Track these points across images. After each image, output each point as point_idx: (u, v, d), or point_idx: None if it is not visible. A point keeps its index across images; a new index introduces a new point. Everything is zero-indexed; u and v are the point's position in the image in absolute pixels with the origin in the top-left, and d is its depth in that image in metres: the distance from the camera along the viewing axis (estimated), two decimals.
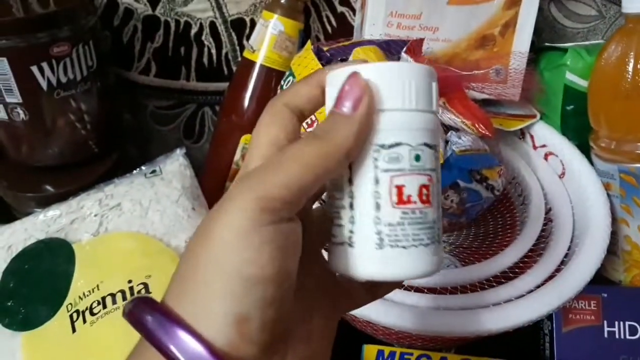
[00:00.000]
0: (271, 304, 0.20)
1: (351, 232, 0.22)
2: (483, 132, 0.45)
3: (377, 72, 0.22)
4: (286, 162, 0.20)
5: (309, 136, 0.21)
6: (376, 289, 0.27)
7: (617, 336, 0.46)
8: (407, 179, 0.22)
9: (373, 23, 0.52)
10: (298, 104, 0.23)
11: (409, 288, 0.43)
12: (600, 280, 0.45)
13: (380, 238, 0.22)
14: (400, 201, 0.22)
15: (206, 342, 0.19)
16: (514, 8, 0.52)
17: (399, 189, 0.22)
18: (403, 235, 0.22)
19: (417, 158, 0.22)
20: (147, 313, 0.20)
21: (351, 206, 0.22)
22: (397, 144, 0.22)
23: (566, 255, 0.46)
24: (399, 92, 0.22)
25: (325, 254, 0.25)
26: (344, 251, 0.23)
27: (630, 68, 0.45)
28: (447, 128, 0.46)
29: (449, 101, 0.46)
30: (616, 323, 0.46)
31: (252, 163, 0.22)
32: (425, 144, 0.22)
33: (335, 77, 0.22)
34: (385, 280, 0.22)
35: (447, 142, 0.45)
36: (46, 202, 0.45)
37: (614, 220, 0.50)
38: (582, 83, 0.52)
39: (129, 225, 0.42)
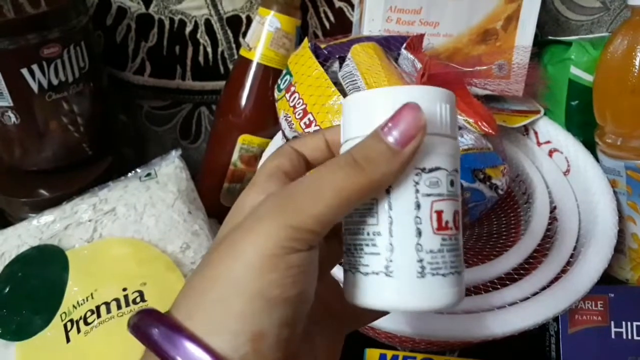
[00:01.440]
0: (288, 325, 0.20)
1: (389, 260, 0.21)
2: (486, 130, 0.44)
3: (415, 95, 0.21)
4: (322, 191, 0.20)
5: (347, 161, 0.20)
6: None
7: (624, 337, 0.45)
8: (445, 205, 0.21)
9: (372, 19, 0.51)
10: (304, 150, 0.24)
11: None
12: (606, 279, 0.44)
13: (422, 266, 0.21)
14: (440, 227, 0.21)
15: (214, 353, 0.18)
16: (516, 1, 0.51)
17: (439, 214, 0.21)
18: (443, 263, 0.21)
19: (452, 183, 0.22)
20: (153, 326, 0.19)
21: (390, 233, 0.21)
22: (437, 169, 0.21)
23: (572, 255, 0.45)
24: (436, 117, 0.21)
25: (337, 278, 0.24)
26: (379, 282, 0.21)
27: (636, 62, 0.44)
28: None
29: None
30: (623, 323, 0.45)
31: (258, 178, 0.22)
32: (456, 170, 0.22)
33: (367, 100, 0.22)
34: (422, 310, 0.21)
35: None
36: (40, 206, 0.44)
37: (621, 217, 0.49)
38: (587, 77, 0.51)
39: (123, 230, 0.41)
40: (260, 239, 0.19)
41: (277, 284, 0.19)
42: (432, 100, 0.22)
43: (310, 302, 0.21)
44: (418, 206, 0.21)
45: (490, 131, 0.44)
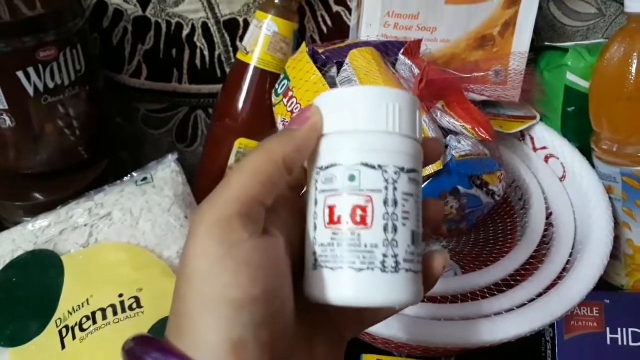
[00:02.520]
0: (263, 325, 0.19)
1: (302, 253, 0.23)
2: (483, 136, 0.44)
3: (323, 99, 0.23)
4: (232, 176, 0.21)
5: (254, 149, 0.22)
6: (372, 313, 0.26)
7: (619, 343, 0.45)
8: (339, 199, 0.22)
9: (370, 24, 0.51)
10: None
11: None
12: (602, 285, 0.44)
13: (315, 259, 0.22)
14: (332, 221, 0.22)
15: None
16: (513, 7, 0.51)
17: (331, 209, 0.22)
18: (332, 257, 0.21)
19: (352, 178, 0.22)
20: (146, 352, 0.20)
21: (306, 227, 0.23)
22: (332, 165, 0.22)
23: (568, 262, 0.45)
24: (337, 115, 0.23)
25: None
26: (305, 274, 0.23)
27: (633, 69, 0.44)
28: (446, 132, 0.45)
29: (448, 104, 0.45)
30: (619, 330, 0.45)
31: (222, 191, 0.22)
32: (364, 164, 0.22)
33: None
34: (325, 303, 0.22)
35: (446, 146, 0.44)
36: (35, 210, 0.44)
37: (616, 224, 0.49)
38: (584, 84, 0.51)
39: (119, 235, 0.41)
40: (200, 244, 0.19)
41: (233, 285, 0.19)
42: (336, 102, 0.23)
43: (282, 299, 0.21)
44: (315, 202, 0.23)
45: (487, 137, 0.44)
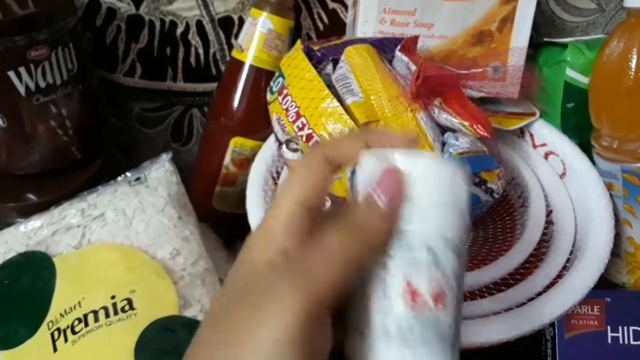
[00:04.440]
0: None
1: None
2: (481, 133, 0.43)
3: (406, 163, 0.22)
4: (333, 258, 0.20)
5: (347, 227, 0.21)
6: None
7: (620, 342, 0.45)
8: (418, 273, 0.21)
9: (366, 20, 0.50)
10: (337, 156, 0.23)
11: None
12: (602, 283, 0.43)
13: (387, 331, 0.21)
14: (412, 300, 0.21)
15: None
16: (511, 3, 0.50)
17: (409, 283, 0.21)
18: (410, 335, 0.21)
19: (432, 253, 0.21)
20: None
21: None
22: (408, 233, 0.21)
23: (568, 260, 0.44)
24: (423, 188, 0.22)
25: None
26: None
27: (633, 64, 0.44)
28: (443, 129, 0.44)
29: (445, 101, 0.44)
30: (620, 328, 0.45)
31: (277, 222, 0.21)
32: (444, 239, 0.21)
33: (369, 164, 0.22)
34: None
35: (443, 144, 0.43)
36: (29, 211, 0.43)
37: (617, 221, 0.48)
38: (583, 79, 0.50)
39: (112, 236, 0.40)
40: (277, 321, 0.18)
41: None
42: (422, 173, 0.22)
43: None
44: (385, 267, 0.21)
45: (485, 134, 0.43)
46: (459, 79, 0.46)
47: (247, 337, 0.18)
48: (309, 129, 0.41)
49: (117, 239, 0.40)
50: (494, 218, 0.49)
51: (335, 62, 0.45)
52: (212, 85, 0.56)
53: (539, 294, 0.41)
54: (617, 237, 0.49)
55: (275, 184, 0.50)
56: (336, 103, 0.41)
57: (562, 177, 0.51)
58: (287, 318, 0.18)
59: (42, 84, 0.42)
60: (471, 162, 0.42)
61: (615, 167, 0.47)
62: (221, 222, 0.52)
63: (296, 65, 0.45)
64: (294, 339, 0.18)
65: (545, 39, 0.55)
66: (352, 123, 0.40)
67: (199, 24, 0.54)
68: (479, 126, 0.43)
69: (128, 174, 0.44)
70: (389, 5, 0.49)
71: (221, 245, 0.50)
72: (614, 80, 0.45)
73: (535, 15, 0.51)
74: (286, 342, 0.18)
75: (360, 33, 0.50)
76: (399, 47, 0.46)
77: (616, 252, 0.49)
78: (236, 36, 0.54)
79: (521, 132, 0.55)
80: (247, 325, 0.18)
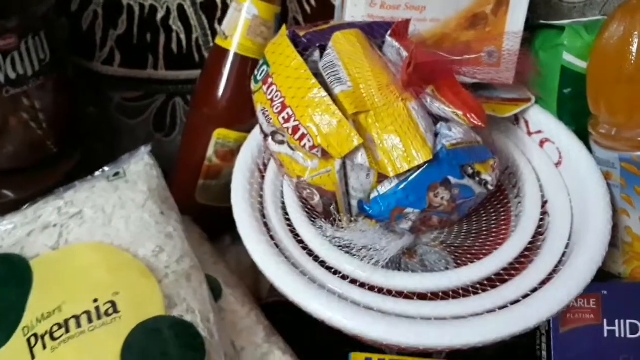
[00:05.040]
0: None
1: None
2: (475, 122, 0.42)
3: None
4: None
5: None
6: None
7: (617, 335, 0.44)
8: None
9: (355, 4, 0.48)
10: None
11: (398, 294, 0.40)
12: (599, 273, 0.42)
13: None
14: None
15: None
16: None
17: None
18: None
19: None
20: None
21: None
22: None
23: (564, 254, 0.43)
24: None
25: None
26: None
27: (633, 49, 0.42)
28: (436, 119, 0.42)
29: (437, 89, 0.42)
30: (616, 322, 0.44)
31: None
32: None
33: None
34: None
35: (436, 134, 0.41)
36: (4, 209, 0.41)
37: (614, 211, 0.47)
38: (581, 64, 0.48)
39: (91, 235, 0.38)
40: None
41: None
42: None
43: None
44: None
45: (479, 124, 0.42)
46: (452, 66, 0.44)
47: None
48: (295, 120, 0.39)
49: (97, 237, 0.38)
50: (487, 209, 0.47)
51: (323, 49, 0.43)
52: (195, 73, 0.54)
53: (535, 289, 0.40)
54: (614, 227, 0.47)
55: (262, 177, 0.48)
56: (324, 93, 0.39)
57: (558, 166, 0.49)
58: None
59: (12, 76, 0.40)
60: (465, 154, 0.41)
61: (613, 156, 0.46)
62: (205, 216, 0.51)
63: (281, 52, 0.43)
64: None
65: (541, 21, 0.53)
66: (341, 114, 0.38)
67: (181, 9, 0.52)
68: (473, 115, 0.42)
69: (106, 168, 0.42)
70: None
71: (206, 240, 0.49)
72: (613, 65, 0.43)
73: None
74: None
75: (349, 17, 0.48)
76: (389, 32, 0.44)
77: (613, 242, 0.48)
78: (220, 21, 0.52)
79: (516, 118, 0.53)
80: None
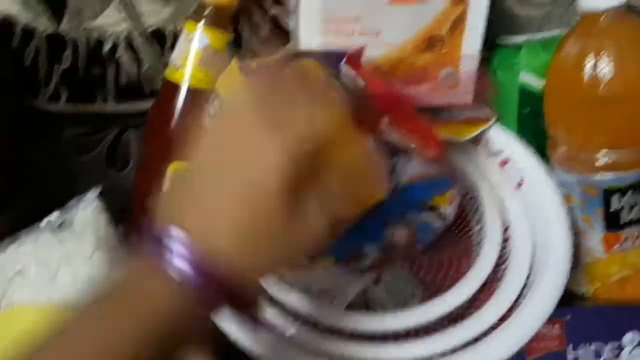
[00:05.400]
0: None
1: None
2: (433, 154, 0.41)
3: None
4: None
5: None
6: None
7: None
8: None
9: (308, 29, 0.47)
10: None
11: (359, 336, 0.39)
12: (563, 294, 0.42)
13: None
14: None
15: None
16: (462, 4, 0.47)
17: None
18: None
19: None
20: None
21: None
22: None
23: (527, 281, 0.43)
24: None
25: None
26: None
27: (588, 70, 0.41)
28: (393, 151, 0.41)
29: (394, 119, 0.41)
30: (581, 346, 0.44)
31: None
32: None
33: None
34: None
35: (393, 169, 0.40)
36: None
37: (576, 232, 0.47)
38: (539, 83, 0.48)
39: (36, 294, 0.37)
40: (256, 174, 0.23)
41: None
42: None
43: None
44: None
45: (437, 156, 0.41)
46: (409, 94, 0.43)
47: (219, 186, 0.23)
48: None
49: (42, 296, 0.37)
50: (449, 239, 0.46)
51: None
52: (147, 105, 0.52)
53: (500, 319, 0.40)
54: (576, 247, 0.47)
55: None
56: None
57: (518, 188, 0.49)
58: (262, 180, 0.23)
59: None
60: (422, 189, 0.40)
61: (572, 178, 0.45)
62: None
63: (233, 85, 0.42)
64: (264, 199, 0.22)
65: (498, 39, 0.52)
66: None
67: (129, 40, 0.50)
68: (430, 147, 0.41)
69: (52, 218, 0.40)
70: (331, 13, 0.46)
71: None
72: (569, 88, 0.43)
73: (488, 11, 0.48)
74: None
75: (304, 43, 0.47)
76: (344, 61, 0.43)
77: (575, 262, 0.48)
78: (170, 51, 0.50)
79: (476, 138, 0.52)
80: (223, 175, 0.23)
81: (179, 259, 0.21)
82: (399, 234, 0.40)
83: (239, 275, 0.22)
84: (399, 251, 0.42)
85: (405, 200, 0.39)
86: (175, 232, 0.22)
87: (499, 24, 0.58)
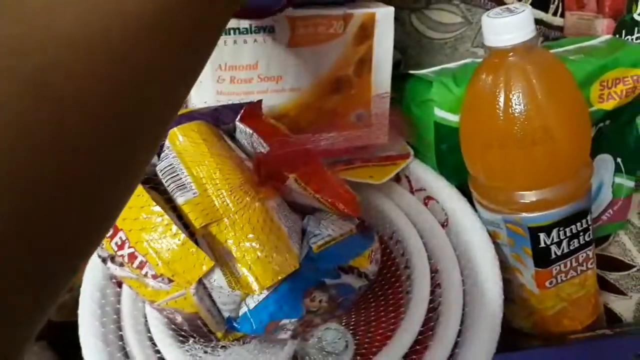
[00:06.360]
0: None
1: None
2: (345, 211, 0.37)
3: None
4: None
5: None
6: None
7: None
8: None
9: (200, 81, 0.42)
10: None
11: None
12: (503, 329, 0.40)
13: None
14: None
15: None
16: (366, 42, 0.44)
17: None
18: None
19: None
20: None
21: None
22: None
23: (462, 322, 0.40)
24: None
25: None
26: None
27: (500, 112, 0.39)
28: (303, 211, 0.38)
29: (302, 176, 0.37)
30: None
31: None
32: None
33: None
34: None
35: (303, 233, 0.36)
36: None
37: (507, 268, 0.45)
38: (453, 118, 0.45)
39: None
40: None
41: None
42: None
43: None
44: None
45: (350, 213, 0.37)
46: (315, 147, 0.39)
47: None
48: (129, 247, 0.33)
49: None
50: (376, 292, 0.43)
51: (160, 149, 0.37)
52: None
53: None
54: (509, 283, 0.45)
55: (119, 291, 0.41)
56: (158, 208, 0.33)
57: (444, 227, 0.46)
58: None
59: None
60: (338, 252, 0.36)
61: (497, 217, 0.43)
62: (58, 334, 0.43)
63: None
64: None
65: (409, 72, 0.50)
66: (182, 234, 0.32)
67: None
68: (342, 203, 0.37)
69: None
70: (224, 61, 0.42)
71: None
72: (483, 129, 0.41)
73: (400, 36, 0.45)
74: None
75: (195, 98, 0.42)
76: (238, 117, 0.39)
77: (511, 297, 0.46)
78: None
79: (397, 176, 0.49)
80: None
81: None
82: (318, 300, 0.36)
83: None
84: (321, 317, 0.38)
85: (319, 267, 0.35)
86: None
87: (413, 51, 0.56)
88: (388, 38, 0.44)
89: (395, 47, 0.45)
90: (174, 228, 0.32)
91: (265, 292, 0.35)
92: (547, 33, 0.57)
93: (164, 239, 0.32)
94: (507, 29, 0.37)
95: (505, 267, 0.45)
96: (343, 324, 0.41)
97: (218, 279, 0.33)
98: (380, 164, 0.48)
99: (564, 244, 0.42)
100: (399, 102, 0.49)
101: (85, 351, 0.37)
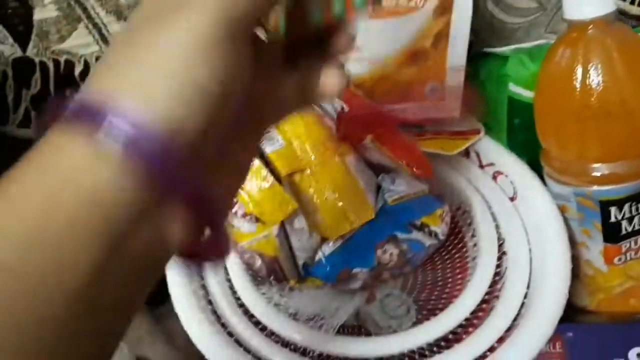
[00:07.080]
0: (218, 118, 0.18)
1: None
2: (420, 172, 0.39)
3: None
4: None
5: None
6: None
7: None
8: None
9: None
10: None
11: None
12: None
13: None
14: None
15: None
16: (445, 15, 0.46)
17: None
18: None
19: None
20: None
21: None
22: None
23: (525, 296, 0.41)
24: None
25: None
26: None
27: (577, 84, 0.39)
28: (377, 170, 0.40)
29: (378, 138, 0.39)
30: None
31: None
32: None
33: None
34: None
35: (379, 188, 0.38)
36: None
37: (574, 243, 0.45)
38: (528, 94, 0.46)
39: None
40: (195, 16, 0.17)
41: (210, 74, 0.17)
42: None
43: (238, 101, 0.19)
44: None
45: (423, 174, 0.39)
46: (393, 111, 0.41)
47: (153, 40, 0.17)
48: None
49: None
50: (442, 256, 0.44)
51: None
52: None
53: (499, 340, 0.38)
54: (575, 260, 0.45)
55: None
56: None
57: (512, 200, 0.47)
58: (199, 23, 0.17)
59: None
60: (410, 208, 0.38)
61: (567, 190, 0.44)
62: None
63: None
64: (205, 46, 0.17)
65: (485, 49, 0.51)
66: (272, 178, 0.35)
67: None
68: (415, 164, 0.39)
69: None
70: None
71: (143, 313, 0.45)
72: (559, 100, 0.41)
73: (473, 19, 0.47)
74: (197, 47, 0.17)
75: None
76: None
77: (575, 274, 0.46)
78: None
79: (466, 151, 0.51)
80: (156, 30, 0.18)
81: (117, 124, 0.16)
82: (389, 253, 0.38)
83: (188, 139, 0.17)
84: (390, 271, 0.40)
85: (392, 221, 0.37)
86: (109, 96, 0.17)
87: (485, 34, 0.57)
88: (466, 12, 0.45)
89: None
90: (264, 171, 0.35)
91: (341, 240, 0.37)
92: (624, 22, 0.57)
93: (254, 181, 0.35)
94: (589, 0, 0.38)
95: (571, 243, 0.45)
96: (409, 284, 0.43)
97: (299, 222, 0.36)
98: (451, 137, 0.49)
99: (636, 220, 0.42)
100: (472, 81, 0.50)
101: (175, 299, 0.40)
